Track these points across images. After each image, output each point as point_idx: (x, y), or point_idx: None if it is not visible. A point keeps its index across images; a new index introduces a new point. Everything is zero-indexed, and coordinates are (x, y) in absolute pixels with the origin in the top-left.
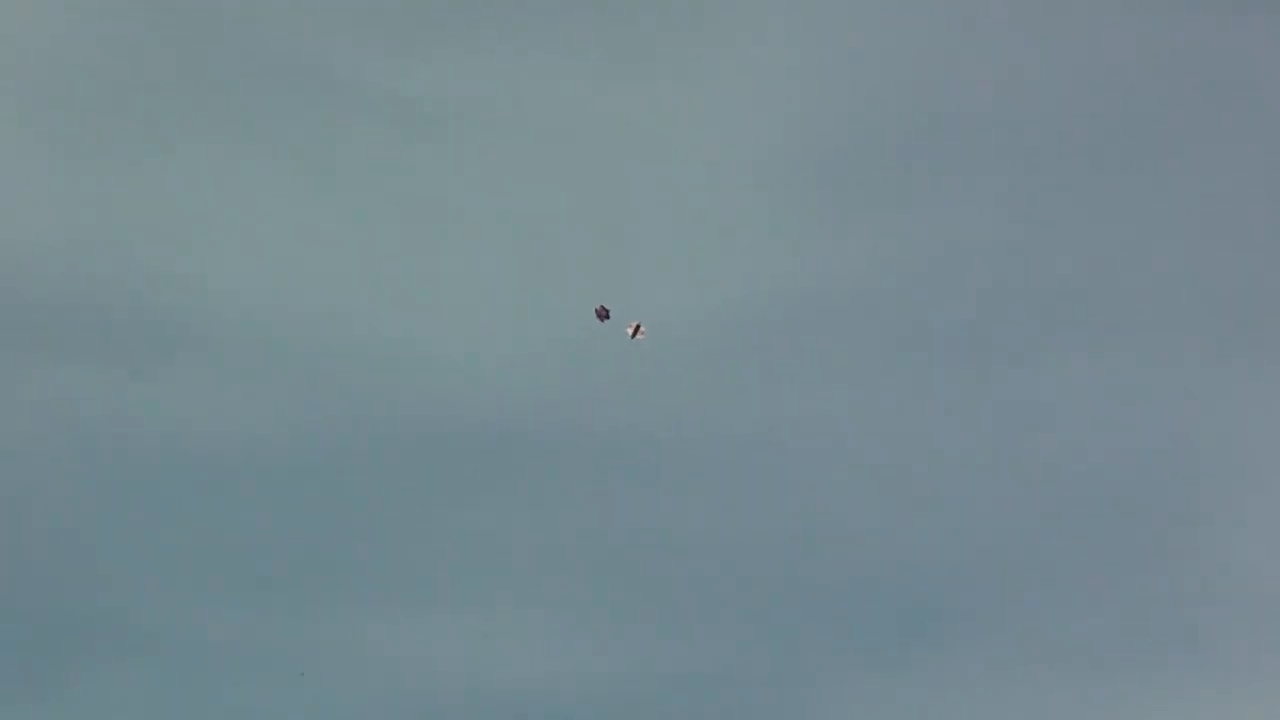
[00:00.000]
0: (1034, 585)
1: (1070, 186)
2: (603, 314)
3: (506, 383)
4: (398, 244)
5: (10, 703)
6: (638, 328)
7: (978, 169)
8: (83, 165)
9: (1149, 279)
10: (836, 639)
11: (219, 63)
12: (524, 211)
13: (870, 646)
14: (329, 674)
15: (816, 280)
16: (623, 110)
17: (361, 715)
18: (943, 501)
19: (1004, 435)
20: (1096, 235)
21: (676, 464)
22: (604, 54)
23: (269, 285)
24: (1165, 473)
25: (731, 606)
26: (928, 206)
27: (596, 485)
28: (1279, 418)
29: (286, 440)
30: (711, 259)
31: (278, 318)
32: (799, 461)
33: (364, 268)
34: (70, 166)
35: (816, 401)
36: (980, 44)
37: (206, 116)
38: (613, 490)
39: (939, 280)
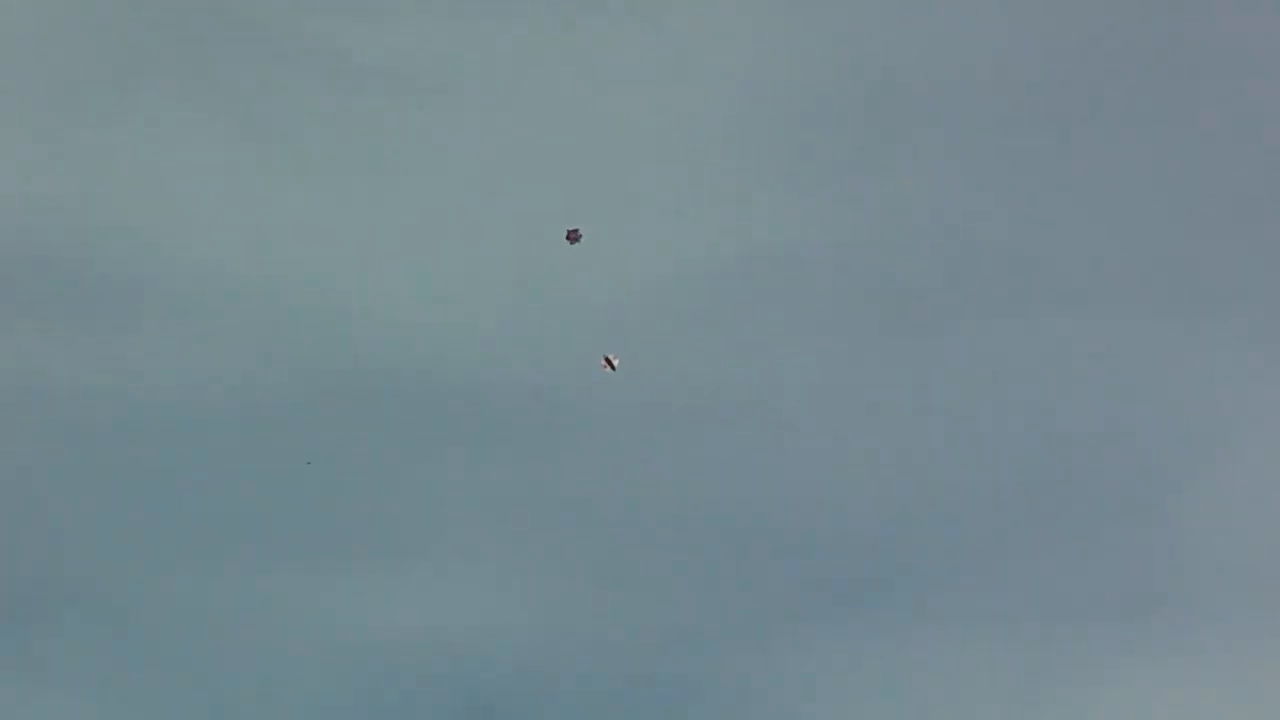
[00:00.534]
0: (997, 546)
1: (1035, 149)
2: (574, 237)
3: (462, 340)
4: (351, 202)
5: None
6: (609, 361)
7: (941, 131)
8: (30, 125)
9: (1116, 241)
10: (795, 599)
11: (169, 23)
12: (478, 171)
13: (830, 607)
14: (287, 635)
15: (776, 242)
16: (579, 69)
17: (319, 674)
18: (905, 461)
19: (967, 396)
20: (1060, 198)
21: (634, 422)
22: (559, 11)
23: (220, 244)
24: (1132, 434)
25: (690, 564)
26: (890, 168)
27: (554, 443)
28: (1243, 381)
29: (240, 400)
30: (669, 220)
31: (230, 276)
32: (758, 420)
33: (316, 226)
34: (16, 127)
35: (776, 362)
36: (944, 4)
37: (157, 76)
38: (570, 448)
39: (902, 242)
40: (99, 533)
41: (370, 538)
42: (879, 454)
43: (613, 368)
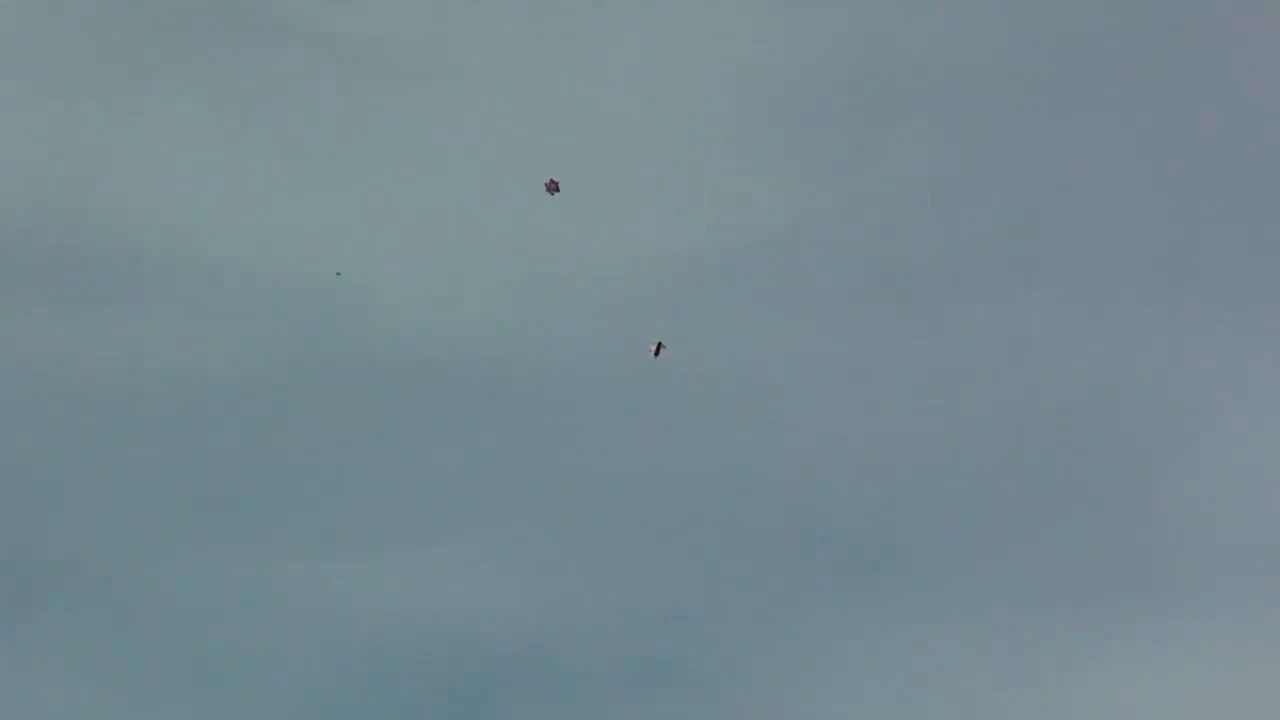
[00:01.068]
0: (990, 528)
1: (1029, 135)
2: (552, 188)
3: (457, 325)
4: (347, 186)
5: None
6: (659, 346)
7: (937, 117)
8: (26, 111)
9: (1109, 226)
10: (791, 577)
11: (164, 8)
12: (474, 157)
13: (827, 584)
14: (279, 612)
15: (772, 227)
16: (575, 55)
17: (313, 656)
18: (900, 445)
19: (961, 379)
20: (1054, 184)
21: (631, 407)
22: None
23: (214, 228)
24: (1122, 418)
25: (686, 544)
26: (886, 154)
27: (550, 428)
28: (1233, 366)
29: (232, 379)
30: (665, 205)
31: (223, 260)
32: (755, 404)
33: (311, 210)
34: (12, 112)
35: (772, 346)
36: None
37: (152, 62)
38: (567, 433)
39: (898, 227)
40: (93, 516)
41: (366, 521)
42: (873, 438)
43: (659, 352)
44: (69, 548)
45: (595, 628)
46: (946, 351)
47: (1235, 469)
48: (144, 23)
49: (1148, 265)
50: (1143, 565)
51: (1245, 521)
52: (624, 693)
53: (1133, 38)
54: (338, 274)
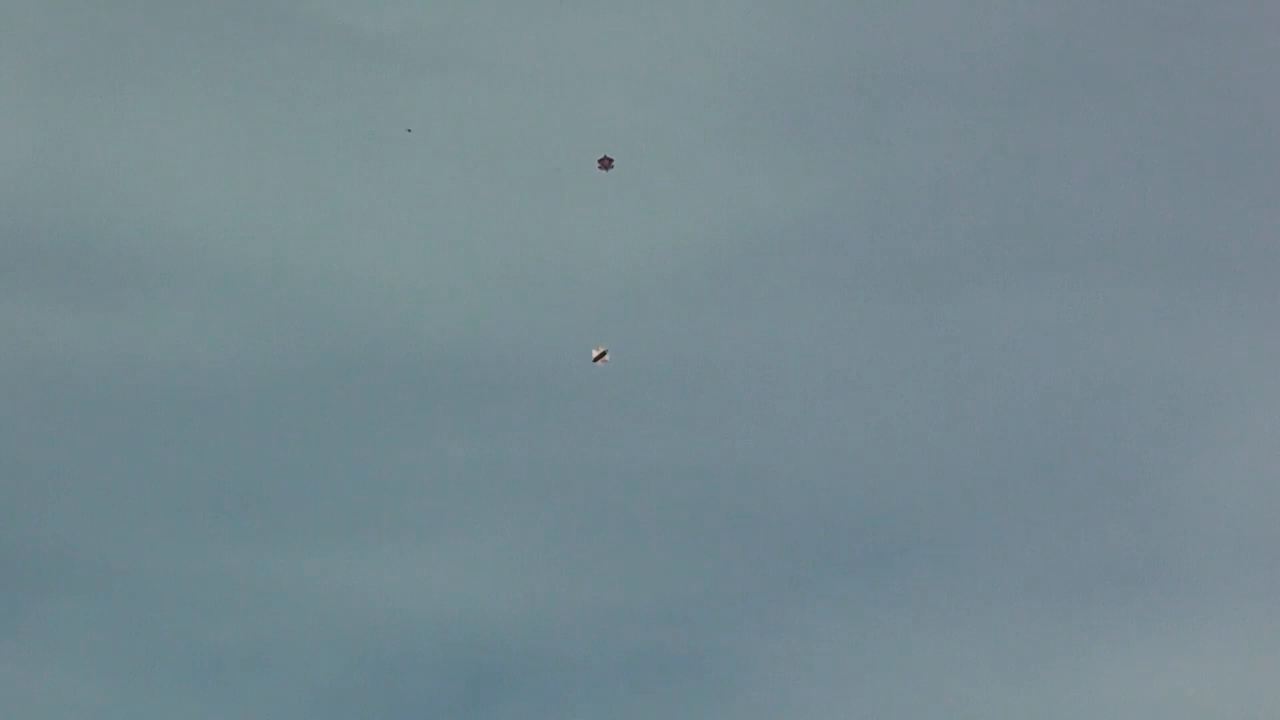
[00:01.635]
0: (996, 516)
1: (1029, 123)
2: (606, 164)
3: (460, 318)
4: (347, 177)
5: None
6: (602, 354)
7: (937, 106)
8: (27, 104)
9: (1111, 214)
10: (794, 571)
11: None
12: (478, 145)
13: (831, 579)
14: (282, 608)
15: (776, 217)
16: (576, 46)
17: (315, 648)
18: (902, 434)
19: (964, 367)
20: (1054, 172)
21: (632, 398)
22: None
23: (219, 217)
24: (1128, 405)
25: (690, 538)
26: (887, 143)
27: (551, 418)
28: (1236, 355)
29: (240, 373)
30: (667, 196)
31: (226, 252)
32: (757, 394)
33: (314, 199)
34: (14, 106)
35: (775, 337)
36: None
37: (151, 50)
38: (568, 423)
39: (900, 216)
40: (95, 512)
41: (368, 516)
42: (874, 432)
43: (602, 360)
44: (70, 544)
45: (598, 623)
46: (947, 346)
47: (1239, 464)
48: (147, 16)
49: (1151, 259)
50: (1145, 560)
51: (1247, 517)
52: (627, 687)
53: (1135, 28)
54: (408, 130)
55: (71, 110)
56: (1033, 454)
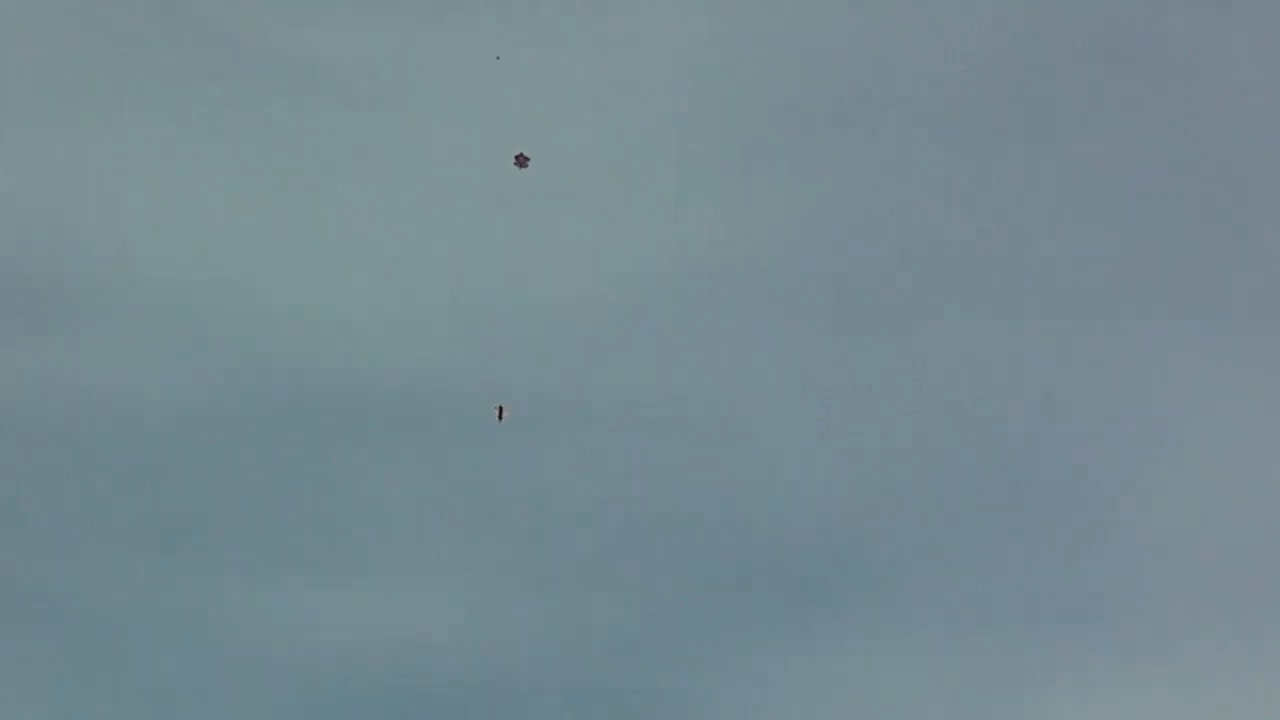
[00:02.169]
0: (948, 549)
1: (994, 151)
2: (522, 161)
3: (415, 345)
4: (298, 207)
5: None
6: (501, 410)
7: (886, 133)
8: None
9: (1076, 242)
10: (744, 605)
11: (119, 27)
12: (427, 176)
13: (782, 611)
14: (223, 640)
15: (734, 245)
16: (527, 73)
17: (255, 679)
18: (852, 466)
19: (916, 398)
20: (1020, 200)
21: (591, 429)
22: (506, 15)
23: (166, 249)
24: (1074, 435)
25: (636, 572)
26: (847, 170)
27: (507, 451)
28: (1197, 384)
29: (184, 404)
30: (613, 226)
31: (179, 281)
32: (705, 426)
33: (261, 231)
34: None
35: (737, 364)
36: (894, 6)
37: (107, 81)
38: (526, 456)
39: (860, 244)
40: (47, 542)
41: (323, 548)
42: (828, 461)
43: (502, 416)
44: (22, 574)
45: (545, 656)
46: (899, 378)
47: (1204, 491)
48: (102, 48)
49: (1107, 289)
50: (1100, 594)
51: (1212, 543)
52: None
53: (1090, 62)
54: (497, 58)
55: (18, 141)
56: (985, 486)
